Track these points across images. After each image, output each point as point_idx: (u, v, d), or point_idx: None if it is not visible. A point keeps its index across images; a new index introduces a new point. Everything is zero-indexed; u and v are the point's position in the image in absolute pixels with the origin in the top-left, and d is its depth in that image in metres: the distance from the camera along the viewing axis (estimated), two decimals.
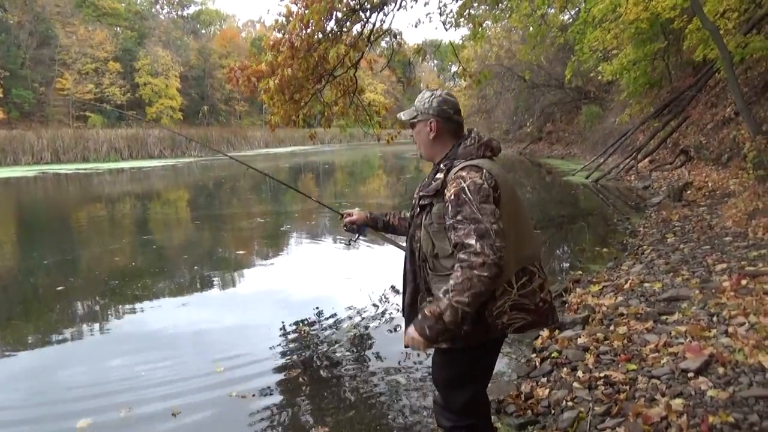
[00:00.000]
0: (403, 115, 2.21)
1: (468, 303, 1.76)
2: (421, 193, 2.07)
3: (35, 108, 53.43)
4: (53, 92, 54.66)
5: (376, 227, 2.62)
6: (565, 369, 3.53)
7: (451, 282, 1.79)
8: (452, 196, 1.88)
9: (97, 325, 5.66)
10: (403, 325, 2.22)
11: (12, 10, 53.92)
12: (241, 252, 9.34)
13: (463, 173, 1.91)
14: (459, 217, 1.83)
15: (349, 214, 2.69)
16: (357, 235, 2.72)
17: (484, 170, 1.91)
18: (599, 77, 20.52)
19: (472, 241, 1.78)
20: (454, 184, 1.90)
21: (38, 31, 54.44)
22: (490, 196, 1.86)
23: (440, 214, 1.95)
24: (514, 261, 1.92)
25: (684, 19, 12.76)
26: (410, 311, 2.11)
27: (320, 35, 7.11)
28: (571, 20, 24.42)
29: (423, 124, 2.12)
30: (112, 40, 60.24)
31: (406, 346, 1.96)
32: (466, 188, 1.86)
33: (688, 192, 10.21)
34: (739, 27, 11.66)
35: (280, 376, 4.13)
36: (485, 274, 1.75)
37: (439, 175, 2.01)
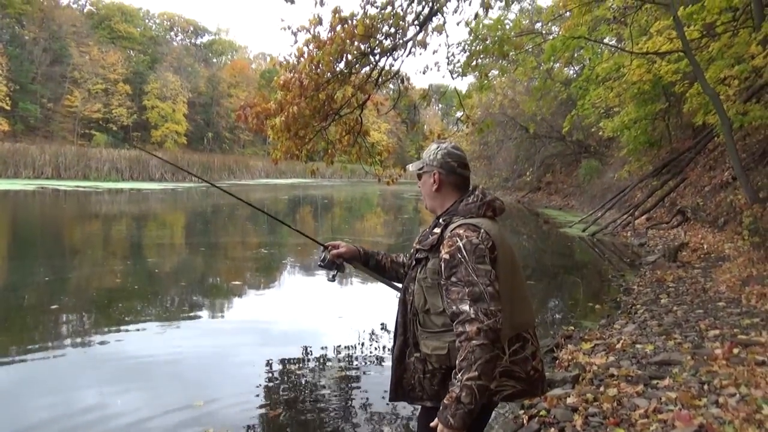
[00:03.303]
0: (411, 167, 2.21)
1: (479, 376, 1.69)
2: (417, 247, 2.04)
3: (41, 123, 53.93)
4: (61, 108, 55.26)
5: (367, 264, 2.41)
6: (552, 429, 3.46)
7: (457, 362, 1.74)
8: (447, 256, 1.84)
9: (76, 348, 5.55)
10: (390, 369, 2.15)
11: (29, 26, 55.10)
12: (233, 282, 9.27)
13: (460, 231, 1.87)
14: (453, 279, 1.80)
15: (335, 246, 2.39)
16: (335, 272, 2.40)
17: (482, 230, 1.88)
18: (600, 133, 20.85)
19: (466, 307, 1.74)
20: (449, 243, 1.87)
21: (52, 49, 55.42)
22: (486, 256, 1.82)
23: (435, 270, 1.91)
24: (509, 326, 1.87)
25: (685, 84, 13.03)
26: (398, 365, 2.06)
27: (329, 75, 7.24)
28: (575, 75, 25.00)
29: (428, 176, 2.10)
30: (125, 62, 61.32)
31: None
32: (461, 247, 1.82)
33: (684, 253, 10.23)
34: (740, 94, 11.90)
35: (262, 416, 4.04)
36: (483, 341, 1.70)
37: (437, 230, 1.98)
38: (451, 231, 1.91)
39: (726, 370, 3.92)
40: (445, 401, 1.75)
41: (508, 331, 1.87)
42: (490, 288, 1.77)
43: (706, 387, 3.73)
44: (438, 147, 2.11)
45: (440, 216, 2.05)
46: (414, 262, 2.05)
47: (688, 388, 3.72)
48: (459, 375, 1.71)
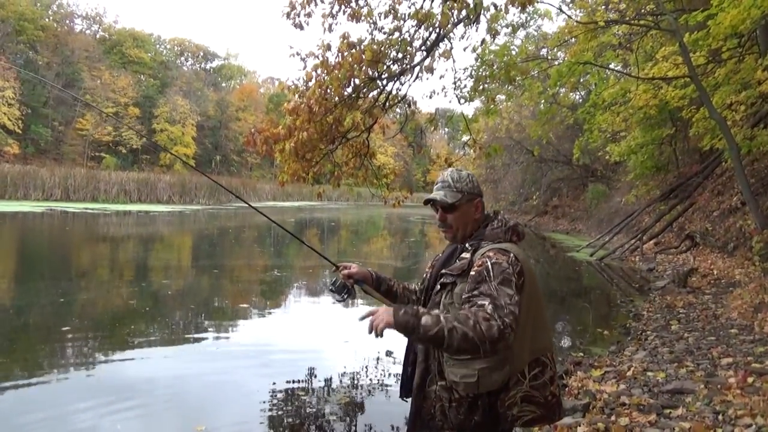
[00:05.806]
0: (447, 198, 2.03)
1: (458, 336, 1.63)
2: (444, 271, 2.00)
3: (51, 145, 54.57)
4: (72, 131, 55.97)
5: (378, 289, 2.36)
6: None
7: (454, 313, 1.70)
8: (474, 273, 1.83)
9: (78, 370, 5.50)
10: (397, 397, 2.10)
11: (43, 51, 56.11)
12: (238, 305, 9.23)
13: (490, 254, 1.87)
14: (476, 292, 1.78)
15: (346, 267, 2.39)
16: (346, 296, 2.37)
17: (512, 254, 1.88)
18: (607, 157, 20.84)
19: (486, 303, 1.71)
20: (479, 262, 1.86)
21: (65, 73, 56.33)
22: (511, 282, 1.80)
23: (461, 295, 1.87)
24: (529, 351, 1.86)
25: (692, 110, 13.05)
26: (418, 393, 2.01)
27: (337, 99, 7.29)
28: (581, 100, 25.12)
29: (469, 205, 2.05)
30: (135, 86, 62.20)
31: (363, 319, 1.77)
32: (489, 267, 1.81)
33: (693, 278, 10.12)
34: (747, 119, 11.90)
35: None
36: (484, 329, 1.63)
37: (466, 255, 1.96)
38: (482, 254, 1.90)
39: (741, 400, 3.84)
40: (414, 308, 1.70)
41: (528, 356, 1.86)
42: (511, 306, 1.73)
43: (720, 417, 3.64)
44: (468, 174, 2.10)
45: (466, 241, 2.03)
46: (438, 288, 2.00)
47: (702, 419, 3.64)
48: (446, 317, 1.66)
